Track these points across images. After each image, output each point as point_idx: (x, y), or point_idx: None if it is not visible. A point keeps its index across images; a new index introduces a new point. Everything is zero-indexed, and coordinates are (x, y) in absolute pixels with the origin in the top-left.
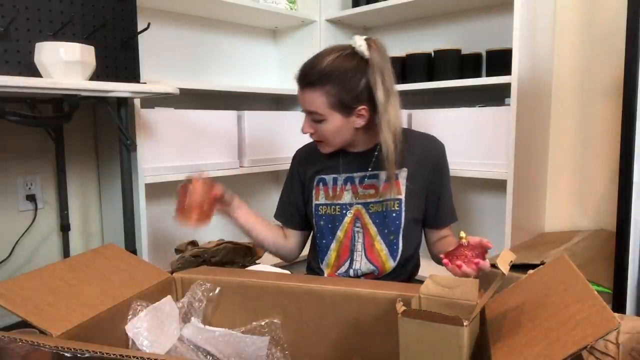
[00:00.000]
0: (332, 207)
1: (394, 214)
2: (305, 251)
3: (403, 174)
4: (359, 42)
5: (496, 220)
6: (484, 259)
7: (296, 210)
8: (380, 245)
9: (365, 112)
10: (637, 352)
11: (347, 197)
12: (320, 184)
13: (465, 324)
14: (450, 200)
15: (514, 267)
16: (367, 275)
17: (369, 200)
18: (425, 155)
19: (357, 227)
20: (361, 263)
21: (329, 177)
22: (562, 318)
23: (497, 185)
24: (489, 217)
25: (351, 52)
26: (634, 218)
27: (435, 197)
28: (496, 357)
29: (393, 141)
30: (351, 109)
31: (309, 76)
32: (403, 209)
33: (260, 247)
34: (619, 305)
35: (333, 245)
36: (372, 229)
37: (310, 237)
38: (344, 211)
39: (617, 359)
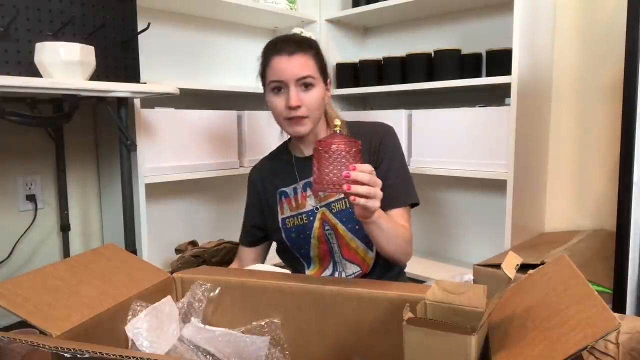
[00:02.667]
0: (298, 217)
1: None
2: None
3: None
4: (302, 30)
5: (496, 220)
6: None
7: (257, 230)
8: (355, 243)
9: (329, 85)
10: (637, 352)
11: (310, 204)
12: (283, 197)
13: (474, 333)
14: (400, 182)
15: None
16: (355, 276)
17: (330, 200)
18: (370, 140)
19: (327, 229)
20: (342, 265)
21: (289, 189)
22: (562, 318)
23: (497, 185)
24: (489, 217)
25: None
26: (634, 218)
27: (380, 176)
28: (496, 357)
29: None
30: (326, 78)
31: (298, 41)
32: None
33: None
34: (619, 305)
35: (312, 253)
36: (341, 228)
37: (279, 252)
38: (311, 218)
39: (617, 359)
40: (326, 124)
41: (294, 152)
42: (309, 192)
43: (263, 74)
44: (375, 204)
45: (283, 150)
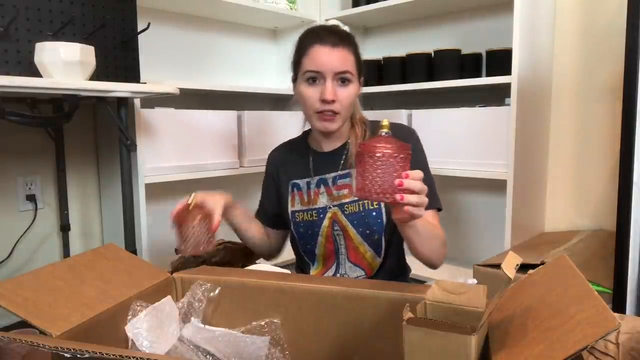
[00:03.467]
0: (309, 212)
1: (373, 213)
2: (290, 255)
3: None
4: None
5: (496, 220)
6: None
7: (273, 214)
8: (364, 247)
9: (361, 84)
10: (637, 352)
11: (322, 201)
12: (295, 190)
13: (474, 333)
14: (427, 186)
15: None
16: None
17: (343, 201)
18: None
19: (337, 230)
20: (346, 268)
21: (302, 182)
22: (562, 318)
23: (497, 185)
24: (489, 217)
25: None
26: (634, 218)
27: None
28: (496, 357)
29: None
30: (360, 76)
31: (340, 34)
32: (382, 206)
33: (248, 244)
34: (619, 305)
35: (317, 251)
36: (352, 231)
37: (291, 242)
38: (321, 215)
39: (617, 358)
40: (350, 122)
41: (312, 146)
42: (322, 188)
43: (297, 62)
44: (422, 212)
45: (302, 141)
